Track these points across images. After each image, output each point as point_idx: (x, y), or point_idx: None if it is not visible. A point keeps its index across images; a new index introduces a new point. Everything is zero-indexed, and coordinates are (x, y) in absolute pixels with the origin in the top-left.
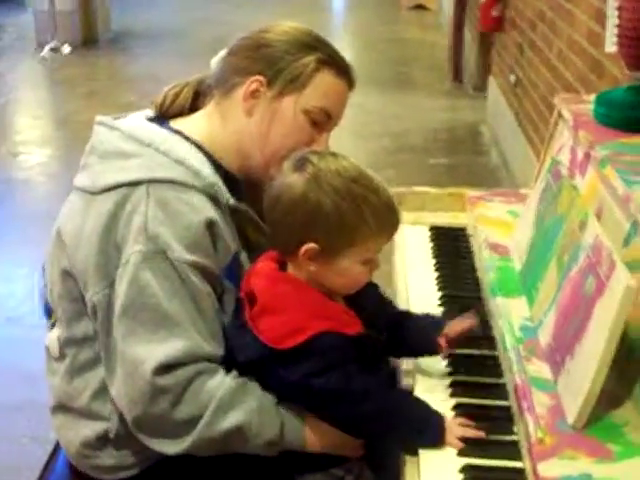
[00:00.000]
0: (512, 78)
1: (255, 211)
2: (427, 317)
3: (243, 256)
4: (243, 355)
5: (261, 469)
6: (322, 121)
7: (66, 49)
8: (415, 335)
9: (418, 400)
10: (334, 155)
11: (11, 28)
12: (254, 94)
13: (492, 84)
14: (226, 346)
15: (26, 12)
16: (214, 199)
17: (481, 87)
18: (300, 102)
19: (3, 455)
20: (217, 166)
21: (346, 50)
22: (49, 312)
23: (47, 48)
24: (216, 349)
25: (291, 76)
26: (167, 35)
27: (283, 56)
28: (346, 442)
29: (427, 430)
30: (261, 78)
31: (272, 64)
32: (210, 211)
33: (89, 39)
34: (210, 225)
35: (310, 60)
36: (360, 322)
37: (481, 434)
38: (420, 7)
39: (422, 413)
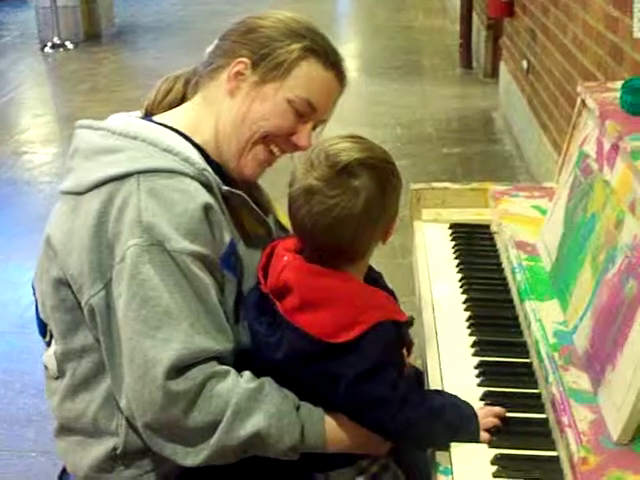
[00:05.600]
0: (524, 64)
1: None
2: None
3: (241, 247)
4: (282, 352)
5: (282, 468)
6: (305, 112)
7: (69, 45)
8: None
9: (453, 398)
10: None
11: (13, 25)
12: (237, 76)
13: (503, 70)
14: (249, 345)
15: (28, 9)
16: (207, 186)
17: (492, 73)
18: (282, 90)
19: (11, 469)
20: (204, 155)
21: (353, 39)
22: (44, 330)
23: (50, 45)
24: (223, 343)
25: (275, 62)
26: (172, 28)
27: (269, 42)
28: (368, 442)
29: (465, 428)
30: (246, 60)
31: (258, 48)
32: (205, 196)
33: (92, 34)
34: (207, 210)
35: (296, 47)
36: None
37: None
38: None
39: (459, 412)
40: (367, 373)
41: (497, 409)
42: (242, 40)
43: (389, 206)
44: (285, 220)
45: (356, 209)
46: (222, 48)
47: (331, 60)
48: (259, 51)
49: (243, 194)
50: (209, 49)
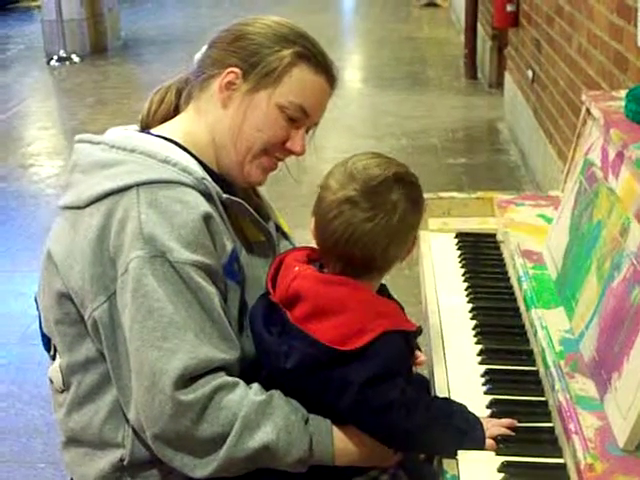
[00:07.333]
0: (529, 74)
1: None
2: None
3: (243, 255)
4: (292, 361)
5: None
6: (298, 118)
7: (75, 58)
8: None
9: (460, 405)
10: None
11: (19, 38)
12: (229, 86)
13: (508, 80)
14: (253, 354)
15: (34, 22)
16: (206, 195)
17: (496, 84)
18: (275, 97)
19: None
20: (202, 165)
21: (358, 50)
22: (48, 344)
23: (56, 58)
24: (229, 352)
25: (266, 70)
26: (178, 41)
27: (259, 49)
28: (376, 454)
29: (472, 434)
30: (237, 70)
31: (248, 57)
32: (205, 205)
33: (98, 47)
34: (207, 219)
35: (286, 54)
36: None
37: (509, 433)
38: (431, 4)
39: (465, 417)
40: (374, 380)
41: (505, 420)
42: (231, 48)
43: (418, 221)
44: (287, 227)
45: (393, 220)
46: (212, 57)
47: (321, 64)
48: (249, 59)
49: (242, 202)
50: (198, 56)
